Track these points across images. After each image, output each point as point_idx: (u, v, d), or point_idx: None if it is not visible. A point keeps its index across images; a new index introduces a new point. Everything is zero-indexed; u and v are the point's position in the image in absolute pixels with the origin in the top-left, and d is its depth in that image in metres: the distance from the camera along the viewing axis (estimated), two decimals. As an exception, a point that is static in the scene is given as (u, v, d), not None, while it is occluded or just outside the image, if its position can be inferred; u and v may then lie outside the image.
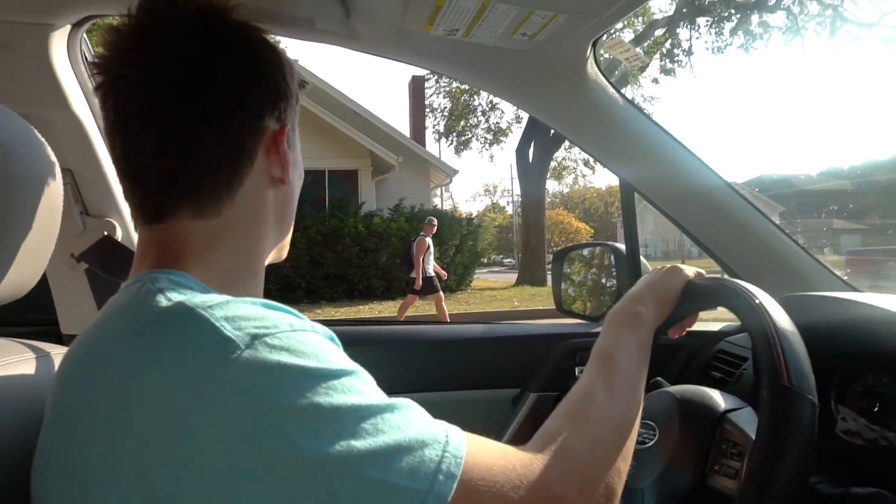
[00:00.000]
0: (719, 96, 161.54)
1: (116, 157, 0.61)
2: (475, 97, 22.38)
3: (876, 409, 0.85)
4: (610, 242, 1.63)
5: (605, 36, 1.02)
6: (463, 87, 21.49)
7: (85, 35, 1.19)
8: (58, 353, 0.75)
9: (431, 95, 23.25)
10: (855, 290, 1.18)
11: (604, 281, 1.76)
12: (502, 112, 22.80)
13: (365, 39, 1.07)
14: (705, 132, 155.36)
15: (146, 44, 0.59)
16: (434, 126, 23.92)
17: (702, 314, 0.85)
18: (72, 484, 0.47)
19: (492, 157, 45.12)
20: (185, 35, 0.59)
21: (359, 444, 0.44)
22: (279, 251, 0.72)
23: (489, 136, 23.35)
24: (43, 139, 0.64)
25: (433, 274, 8.74)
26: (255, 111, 0.62)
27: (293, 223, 0.73)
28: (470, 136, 23.63)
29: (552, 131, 17.01)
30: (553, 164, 25.40)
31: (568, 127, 1.30)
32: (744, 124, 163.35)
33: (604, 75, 1.16)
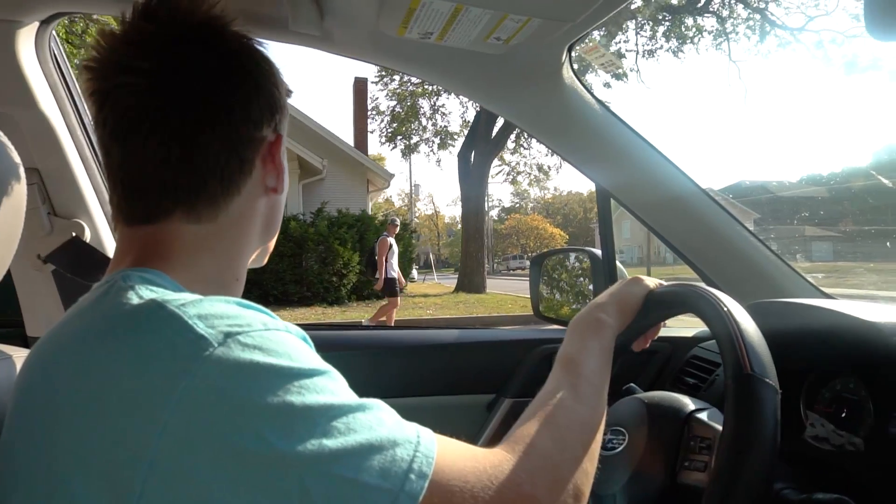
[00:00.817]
0: (704, 102, 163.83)
1: (112, 165, 0.61)
2: (420, 100, 22.04)
3: (843, 415, 0.86)
4: (587, 248, 1.63)
5: (580, 41, 1.02)
6: (410, 89, 21.21)
7: (54, 32, 1.17)
8: (20, 356, 0.73)
9: (379, 98, 22.89)
10: (827, 296, 1.20)
11: (580, 286, 1.76)
12: (444, 115, 22.38)
13: (339, 42, 1.06)
14: (687, 137, 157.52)
15: (148, 51, 0.58)
16: (381, 129, 23.56)
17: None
18: (37, 482, 0.47)
19: (438, 162, 45.23)
20: (188, 44, 0.60)
21: (330, 442, 0.44)
22: (260, 256, 0.73)
23: (436, 140, 23.10)
24: (4, 137, 0.63)
25: (395, 276, 8.72)
26: (255, 121, 0.64)
27: (278, 230, 0.74)
28: (418, 139, 23.36)
29: (492, 135, 16.55)
30: (507, 168, 25.20)
31: (544, 131, 1.30)
32: (726, 130, 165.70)
33: (580, 80, 1.16)
